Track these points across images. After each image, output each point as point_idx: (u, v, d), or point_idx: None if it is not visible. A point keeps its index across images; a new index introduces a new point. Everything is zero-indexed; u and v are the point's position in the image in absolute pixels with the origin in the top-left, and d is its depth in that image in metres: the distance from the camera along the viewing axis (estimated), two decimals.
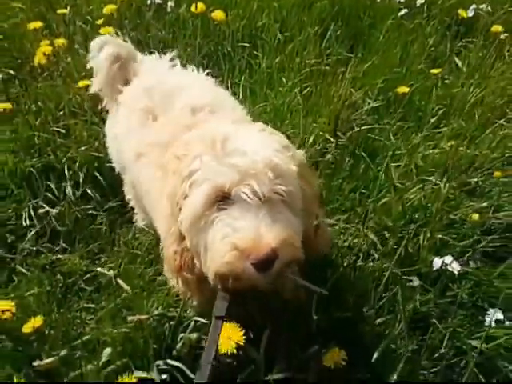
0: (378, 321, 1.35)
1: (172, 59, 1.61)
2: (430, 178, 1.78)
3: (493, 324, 1.28)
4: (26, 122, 1.98)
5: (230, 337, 1.15)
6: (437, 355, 1.32)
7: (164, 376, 1.18)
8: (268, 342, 1.19)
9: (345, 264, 1.48)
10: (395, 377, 1.07)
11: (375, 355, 1.11)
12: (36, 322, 1.22)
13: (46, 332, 1.29)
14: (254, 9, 2.75)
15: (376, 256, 1.57)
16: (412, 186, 1.82)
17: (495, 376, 1.26)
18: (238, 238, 0.92)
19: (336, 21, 2.74)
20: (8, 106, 1.97)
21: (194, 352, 1.25)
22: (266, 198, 0.96)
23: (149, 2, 2.58)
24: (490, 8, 2.55)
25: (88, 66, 1.68)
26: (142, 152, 1.35)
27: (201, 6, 2.50)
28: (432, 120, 2.16)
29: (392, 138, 2.04)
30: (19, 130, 1.98)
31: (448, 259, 1.32)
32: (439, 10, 2.75)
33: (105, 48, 1.59)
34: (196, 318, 1.28)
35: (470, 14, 2.53)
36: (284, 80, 2.35)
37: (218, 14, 2.52)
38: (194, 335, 1.24)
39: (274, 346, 1.23)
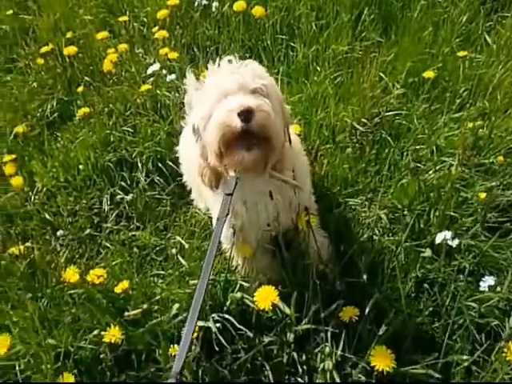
0: (388, 285, 1.64)
1: None
2: (447, 159, 1.98)
3: (486, 289, 1.52)
4: (102, 122, 2.41)
5: (267, 297, 1.50)
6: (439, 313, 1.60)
7: (217, 325, 1.54)
8: (297, 302, 1.53)
9: (363, 238, 1.77)
10: (384, 327, 1.37)
11: (367, 309, 1.41)
12: (124, 284, 1.63)
13: (130, 292, 1.70)
14: (291, 0, 2.95)
15: (393, 231, 1.84)
16: (432, 167, 2.03)
17: (485, 330, 1.52)
18: (230, 105, 1.33)
19: (370, 5, 2.87)
20: (87, 110, 2.40)
21: (239, 308, 1.62)
22: (251, 91, 1.36)
23: (196, 3, 2.86)
24: None
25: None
26: None
27: (242, 3, 2.76)
28: (458, 101, 2.31)
29: (416, 121, 2.21)
30: (97, 130, 2.40)
31: (448, 234, 1.56)
32: None
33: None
34: (240, 282, 1.64)
35: None
36: (318, 69, 2.57)
37: (258, 10, 2.76)
38: (239, 294, 1.60)
39: (302, 304, 1.56)
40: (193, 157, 1.67)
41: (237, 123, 1.31)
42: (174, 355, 1.50)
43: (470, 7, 2.72)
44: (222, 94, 1.37)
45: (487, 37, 2.55)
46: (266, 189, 1.54)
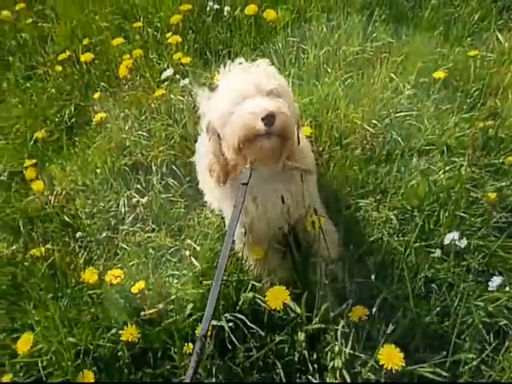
0: (398, 285, 1.66)
1: None
2: (457, 160, 1.99)
3: (495, 289, 1.53)
4: (118, 127, 2.48)
5: (278, 296, 1.54)
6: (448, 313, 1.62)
7: (230, 324, 1.58)
8: (307, 301, 1.57)
9: (373, 238, 1.80)
10: (391, 326, 1.40)
11: (374, 308, 1.44)
12: (140, 285, 1.68)
13: (147, 292, 1.76)
14: (302, 2, 2.98)
15: (402, 232, 1.86)
16: (442, 167, 2.04)
17: (493, 329, 1.54)
18: (252, 109, 1.39)
19: (380, 5, 2.88)
20: (103, 115, 2.47)
21: (251, 307, 1.66)
22: (267, 93, 1.43)
23: (208, 8, 2.91)
24: None
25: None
26: None
27: (253, 7, 2.80)
28: (468, 101, 2.31)
29: (426, 122, 2.22)
30: (113, 134, 2.47)
31: (456, 235, 1.58)
32: None
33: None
34: (252, 282, 1.69)
35: None
36: (329, 70, 2.60)
37: (269, 13, 2.80)
38: (251, 294, 1.64)
39: (312, 304, 1.60)
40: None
41: (260, 126, 1.38)
42: (189, 353, 1.56)
43: (481, 5, 2.72)
44: (239, 96, 1.42)
45: (499, 35, 2.54)
46: (275, 185, 1.61)
